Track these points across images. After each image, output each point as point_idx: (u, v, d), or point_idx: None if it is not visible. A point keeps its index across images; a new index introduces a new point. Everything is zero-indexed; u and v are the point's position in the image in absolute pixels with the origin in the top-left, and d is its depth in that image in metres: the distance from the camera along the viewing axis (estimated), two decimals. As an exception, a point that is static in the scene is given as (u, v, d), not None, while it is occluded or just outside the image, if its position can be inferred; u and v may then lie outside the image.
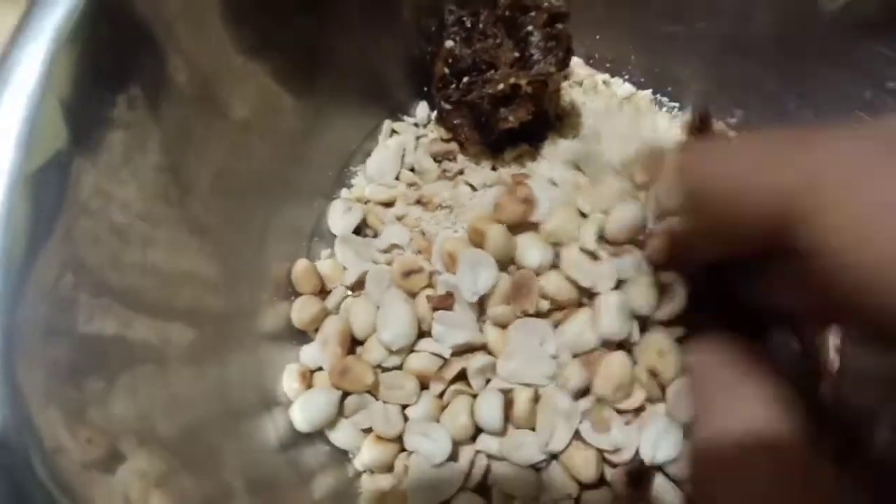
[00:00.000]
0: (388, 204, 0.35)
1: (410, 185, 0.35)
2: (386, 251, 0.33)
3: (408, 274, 0.30)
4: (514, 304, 0.28)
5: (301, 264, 0.32)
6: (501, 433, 0.28)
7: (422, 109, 0.37)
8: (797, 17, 0.32)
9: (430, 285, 0.30)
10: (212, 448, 0.26)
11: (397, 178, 0.36)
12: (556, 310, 0.28)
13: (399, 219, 0.34)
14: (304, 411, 0.29)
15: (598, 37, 0.39)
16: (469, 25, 0.34)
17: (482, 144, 0.35)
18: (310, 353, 0.31)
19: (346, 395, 0.30)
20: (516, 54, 0.32)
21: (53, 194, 0.21)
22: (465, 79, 0.33)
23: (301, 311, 0.31)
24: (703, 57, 0.36)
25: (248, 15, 0.28)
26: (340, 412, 0.30)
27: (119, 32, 0.23)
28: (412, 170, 0.36)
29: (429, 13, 0.35)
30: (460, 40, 0.34)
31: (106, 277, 0.23)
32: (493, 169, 0.35)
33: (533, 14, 0.32)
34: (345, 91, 0.34)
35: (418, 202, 0.34)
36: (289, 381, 0.30)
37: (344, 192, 0.36)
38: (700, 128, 0.36)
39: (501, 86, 0.31)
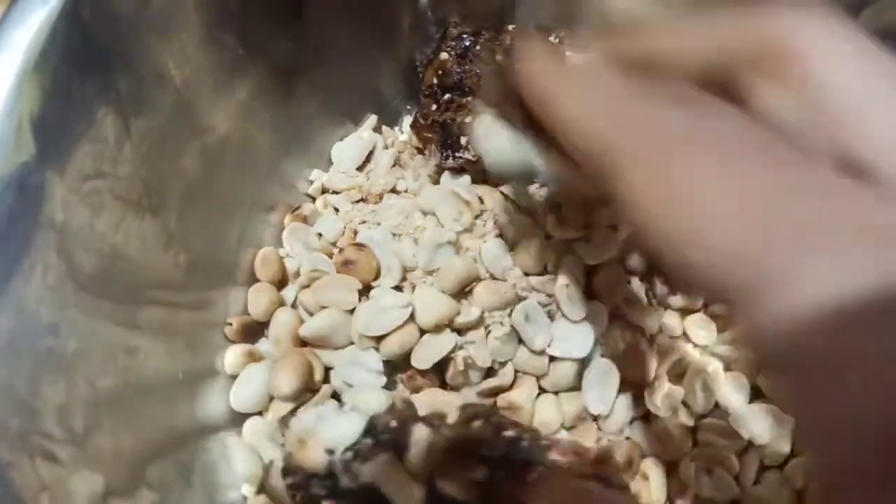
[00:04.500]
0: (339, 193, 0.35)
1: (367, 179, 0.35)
2: (318, 238, 0.33)
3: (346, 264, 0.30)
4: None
5: (265, 251, 0.32)
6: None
7: (408, 124, 0.37)
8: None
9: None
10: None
11: (359, 170, 0.36)
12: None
13: (336, 210, 0.35)
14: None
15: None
16: (467, 44, 0.34)
17: (439, 167, 0.34)
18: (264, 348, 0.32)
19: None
20: None
21: (18, 206, 0.21)
22: (447, 96, 0.33)
23: (256, 300, 0.31)
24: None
25: (228, 29, 0.28)
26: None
27: (93, 48, 0.23)
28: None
29: (432, 22, 0.35)
30: (455, 55, 0.34)
31: (73, 285, 0.23)
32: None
33: None
34: (329, 104, 0.35)
35: (362, 199, 0.35)
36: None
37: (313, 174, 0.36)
38: None
39: (469, 118, 0.30)
